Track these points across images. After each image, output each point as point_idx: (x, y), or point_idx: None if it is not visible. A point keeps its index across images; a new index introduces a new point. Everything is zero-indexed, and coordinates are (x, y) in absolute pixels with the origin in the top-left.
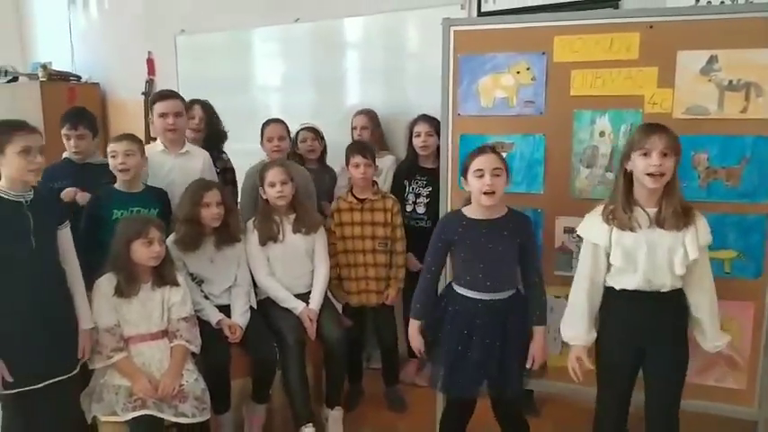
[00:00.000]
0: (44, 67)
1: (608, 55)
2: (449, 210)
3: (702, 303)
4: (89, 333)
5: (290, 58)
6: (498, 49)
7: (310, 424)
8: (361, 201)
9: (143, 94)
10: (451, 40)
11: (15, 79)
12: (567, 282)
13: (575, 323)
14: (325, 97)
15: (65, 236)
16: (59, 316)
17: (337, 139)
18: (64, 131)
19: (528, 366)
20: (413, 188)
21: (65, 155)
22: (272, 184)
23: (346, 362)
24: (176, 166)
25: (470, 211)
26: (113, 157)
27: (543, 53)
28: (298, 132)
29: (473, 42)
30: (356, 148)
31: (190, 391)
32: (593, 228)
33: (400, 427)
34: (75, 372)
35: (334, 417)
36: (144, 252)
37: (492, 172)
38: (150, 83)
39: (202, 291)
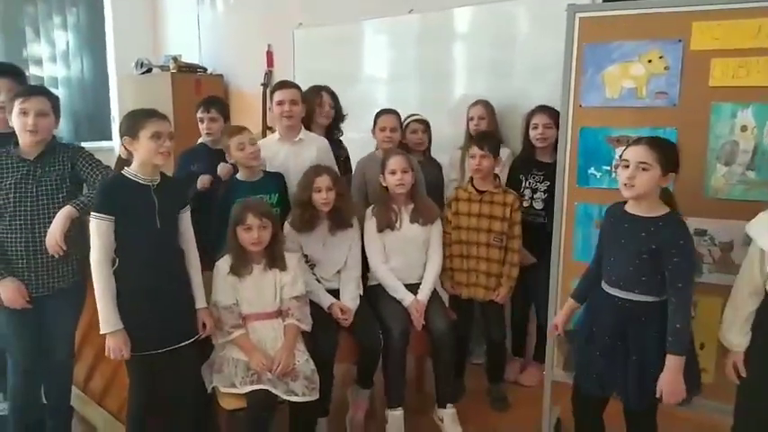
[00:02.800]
0: (175, 59)
1: (755, 42)
2: (564, 206)
3: None
4: (205, 311)
5: (399, 49)
6: (628, 37)
7: (400, 408)
8: (481, 193)
9: (262, 84)
10: (576, 27)
11: (149, 71)
12: (699, 289)
13: (741, 328)
14: (433, 89)
15: (185, 219)
16: (177, 291)
17: (444, 132)
18: (198, 115)
19: (657, 396)
20: (529, 183)
21: (200, 140)
22: (393, 172)
23: (454, 357)
24: (290, 155)
25: (629, 204)
26: (241, 148)
27: (679, 40)
28: (408, 123)
29: (600, 29)
30: (476, 138)
31: (300, 370)
32: (761, 229)
33: (502, 426)
34: (190, 340)
35: (449, 415)
36: (245, 237)
37: (637, 165)
38: (269, 74)
39: (314, 274)
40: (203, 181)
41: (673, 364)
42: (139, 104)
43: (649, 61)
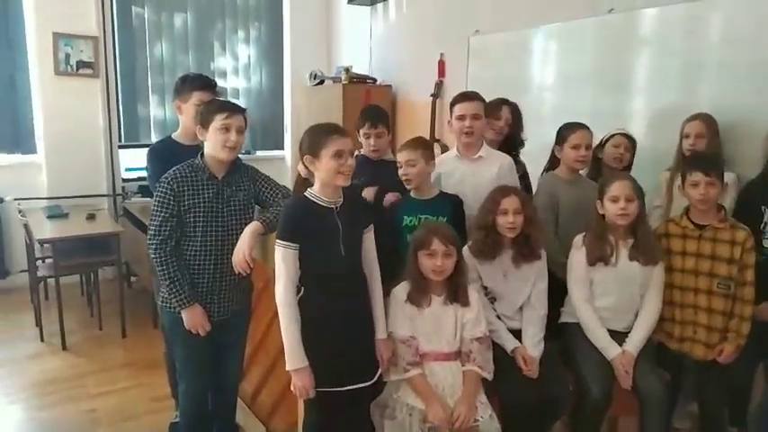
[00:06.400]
0: (346, 70)
1: None
2: None
3: None
4: (385, 342)
5: (585, 54)
6: None
7: None
8: (701, 227)
9: (432, 95)
10: None
11: (322, 82)
12: None
13: None
14: (625, 98)
15: (369, 241)
16: (363, 323)
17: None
18: (364, 130)
19: None
20: None
21: (360, 152)
22: (615, 200)
23: (666, 425)
24: (468, 173)
25: None
26: (399, 167)
27: None
28: (612, 135)
29: None
30: (697, 161)
31: (484, 430)
32: None
33: None
34: (372, 380)
35: None
36: (427, 264)
37: None
38: (439, 84)
39: (494, 309)
40: (369, 193)
41: None
42: (311, 115)
43: None
